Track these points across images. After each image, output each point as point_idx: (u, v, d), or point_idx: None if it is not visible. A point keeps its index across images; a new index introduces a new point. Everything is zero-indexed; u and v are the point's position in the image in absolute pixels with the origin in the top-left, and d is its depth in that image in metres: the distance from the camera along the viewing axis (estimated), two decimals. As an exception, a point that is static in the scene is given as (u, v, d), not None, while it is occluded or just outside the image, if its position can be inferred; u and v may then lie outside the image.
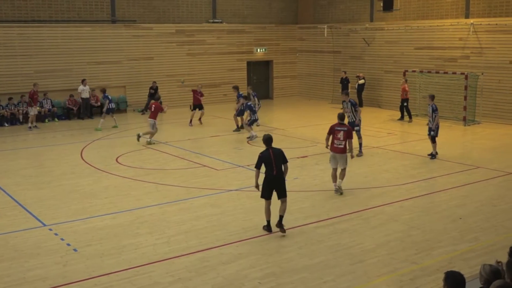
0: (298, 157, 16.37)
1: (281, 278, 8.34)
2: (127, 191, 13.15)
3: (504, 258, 5.66)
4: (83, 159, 16.56)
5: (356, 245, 9.62)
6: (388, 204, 11.93)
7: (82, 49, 24.98)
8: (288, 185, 13.33)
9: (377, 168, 15.18)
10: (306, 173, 14.66)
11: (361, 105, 27.00)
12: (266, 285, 8.12)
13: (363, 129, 20.81)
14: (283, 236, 10.04)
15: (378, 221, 10.88)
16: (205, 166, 15.56)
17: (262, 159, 10.13)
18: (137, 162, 16.11)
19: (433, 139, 15.88)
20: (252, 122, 19.54)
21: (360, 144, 16.47)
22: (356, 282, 8.20)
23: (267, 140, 10.26)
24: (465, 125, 21.46)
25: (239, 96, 20.93)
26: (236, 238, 10.00)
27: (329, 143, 12.89)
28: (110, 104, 21.61)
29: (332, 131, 12.77)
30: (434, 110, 15.88)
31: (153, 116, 18.63)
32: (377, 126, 21.64)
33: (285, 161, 10.26)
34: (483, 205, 11.81)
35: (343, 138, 12.57)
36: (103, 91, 22.04)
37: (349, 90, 26.27)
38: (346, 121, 15.79)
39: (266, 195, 10.20)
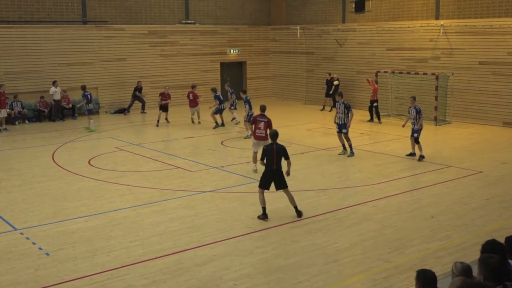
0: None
1: (256, 279, 8.34)
2: (100, 193, 13.01)
3: (475, 256, 5.76)
4: (55, 162, 16.33)
5: (330, 244, 9.69)
6: (361, 203, 12.03)
7: (53, 50, 24.63)
8: (263, 186, 13.41)
9: (350, 168, 15.30)
10: (280, 173, 14.68)
11: (334, 105, 27.16)
12: (241, 286, 8.12)
13: (335, 129, 20.96)
14: (258, 236, 10.07)
15: (352, 220, 10.97)
16: (179, 167, 15.48)
17: (265, 152, 10.90)
18: (110, 164, 15.95)
19: (416, 141, 15.91)
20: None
21: (350, 146, 16.56)
22: (330, 282, 8.25)
23: (273, 135, 11.08)
24: (436, 125, 21.77)
25: (216, 97, 21.32)
26: (210, 239, 9.98)
27: (253, 131, 14.68)
28: (88, 105, 21.19)
29: (254, 121, 14.64)
30: (418, 111, 15.94)
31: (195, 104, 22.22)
32: (350, 127, 21.72)
33: (286, 157, 11.01)
34: (454, 204, 12.00)
35: (263, 128, 14.32)
36: (83, 88, 21.32)
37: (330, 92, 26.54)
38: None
39: (263, 185, 10.98)
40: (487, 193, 12.74)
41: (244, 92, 19.63)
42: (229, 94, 22.16)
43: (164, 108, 22.74)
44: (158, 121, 22.35)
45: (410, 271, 8.34)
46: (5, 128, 21.76)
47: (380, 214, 11.32)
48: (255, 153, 14.47)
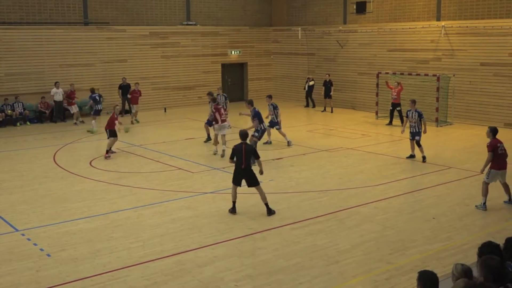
0: (273, 159, 16.41)
1: (257, 280, 8.34)
2: (101, 194, 13.02)
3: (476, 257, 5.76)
4: (56, 163, 16.34)
5: (332, 246, 9.68)
6: (363, 205, 12.03)
7: (54, 51, 24.67)
8: (264, 187, 13.40)
9: (351, 170, 15.29)
10: (282, 174, 14.71)
11: (313, 105, 27.31)
12: (242, 287, 8.11)
13: (337, 130, 20.99)
14: (259, 237, 10.07)
15: (353, 221, 10.96)
16: (180, 168, 15.48)
17: (235, 151, 11.25)
18: (112, 165, 15.95)
19: (418, 143, 15.76)
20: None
21: (285, 136, 18.08)
22: (331, 283, 8.24)
23: (243, 135, 11.41)
24: (437, 126, 21.75)
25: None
26: (211, 240, 9.98)
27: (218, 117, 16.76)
28: (97, 106, 21.66)
29: (218, 109, 16.94)
30: (421, 115, 15.70)
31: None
32: (351, 128, 21.81)
33: (256, 157, 11.38)
34: (455, 205, 11.99)
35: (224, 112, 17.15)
36: (92, 91, 22.17)
37: (332, 93, 26.36)
38: (267, 120, 18.03)
39: (235, 182, 11.38)
40: (488, 195, 12.70)
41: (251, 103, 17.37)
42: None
43: (113, 133, 16.86)
44: (107, 151, 16.85)
45: (412, 272, 8.34)
46: (82, 121, 23.48)
47: (382, 215, 11.31)
48: (216, 135, 17.02)
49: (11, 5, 24.15)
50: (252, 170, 11.27)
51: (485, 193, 11.66)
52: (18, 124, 23.19)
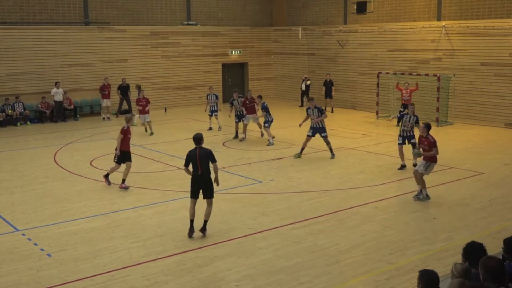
0: (273, 159, 16.41)
1: (258, 280, 8.34)
2: (102, 194, 13.02)
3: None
4: (57, 163, 16.35)
5: (332, 246, 9.68)
6: (363, 204, 12.02)
7: (54, 51, 24.66)
8: (264, 187, 13.43)
9: (352, 169, 15.29)
10: (282, 174, 14.70)
11: (302, 104, 27.52)
12: (242, 287, 8.11)
13: (338, 130, 20.98)
14: (260, 237, 10.07)
15: (354, 221, 10.96)
16: (180, 169, 15.44)
17: (189, 157, 10.28)
18: (112, 165, 15.92)
19: (414, 145, 14.57)
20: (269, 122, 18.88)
21: (331, 149, 16.72)
22: (332, 283, 8.24)
23: (196, 139, 10.42)
24: (438, 126, 21.72)
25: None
26: (212, 240, 9.98)
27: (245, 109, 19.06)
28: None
29: (244, 103, 19.11)
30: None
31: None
32: (352, 128, 21.80)
33: (213, 161, 10.28)
34: (456, 205, 11.98)
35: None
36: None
37: (333, 93, 26.50)
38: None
39: (193, 195, 10.23)
40: (489, 194, 12.72)
41: (260, 97, 19.20)
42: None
43: (127, 156, 13.58)
44: (123, 181, 13.53)
45: (412, 272, 8.33)
46: (109, 117, 24.56)
47: (382, 215, 11.31)
48: (246, 124, 19.22)
49: (12, 5, 24.16)
50: (210, 180, 10.25)
51: (424, 184, 12.07)
52: (18, 124, 23.20)
